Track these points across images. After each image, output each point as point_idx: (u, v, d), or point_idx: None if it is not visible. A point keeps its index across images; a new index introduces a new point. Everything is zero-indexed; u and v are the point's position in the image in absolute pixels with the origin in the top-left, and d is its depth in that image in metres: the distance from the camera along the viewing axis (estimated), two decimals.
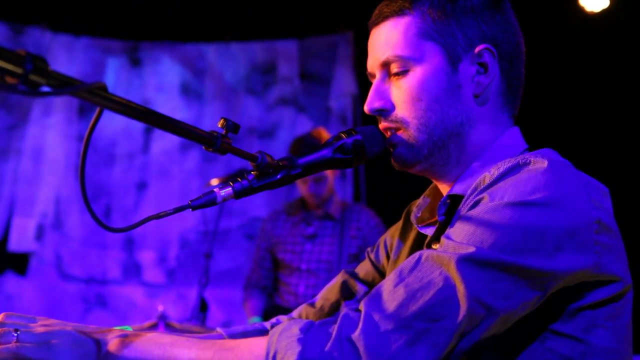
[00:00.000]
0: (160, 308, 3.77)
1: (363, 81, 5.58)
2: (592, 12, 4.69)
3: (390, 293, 1.22)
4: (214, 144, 1.30)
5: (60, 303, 5.36)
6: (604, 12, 4.66)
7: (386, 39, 1.51)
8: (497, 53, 1.48)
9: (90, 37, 5.60)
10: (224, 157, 5.56)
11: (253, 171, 1.43)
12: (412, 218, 1.63)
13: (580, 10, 4.69)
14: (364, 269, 1.79)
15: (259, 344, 1.27)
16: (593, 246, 1.25)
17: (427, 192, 1.67)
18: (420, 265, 1.23)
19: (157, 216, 1.38)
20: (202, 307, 3.94)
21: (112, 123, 5.58)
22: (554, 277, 1.22)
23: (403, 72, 1.48)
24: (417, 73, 1.47)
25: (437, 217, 1.51)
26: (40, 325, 1.32)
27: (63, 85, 1.01)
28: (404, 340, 1.16)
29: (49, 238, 5.46)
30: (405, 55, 1.47)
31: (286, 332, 1.24)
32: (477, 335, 1.20)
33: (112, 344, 1.29)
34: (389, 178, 4.81)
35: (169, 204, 5.39)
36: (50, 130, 5.45)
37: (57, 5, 5.39)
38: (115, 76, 5.63)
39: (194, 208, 1.40)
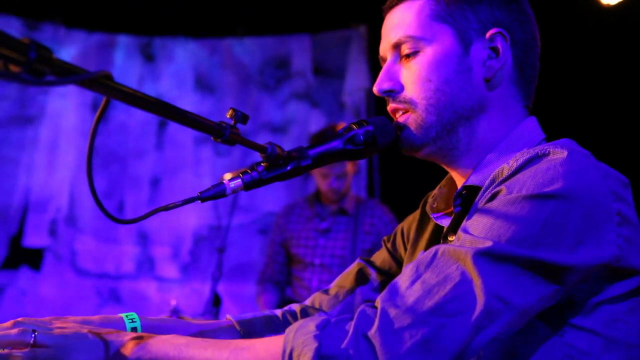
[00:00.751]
0: (173, 302, 3.77)
1: (376, 75, 5.56)
2: (608, 4, 4.65)
3: (407, 289, 1.21)
4: (222, 134, 1.28)
5: (74, 298, 5.38)
6: (620, 5, 4.62)
7: (399, 21, 1.50)
8: (509, 39, 1.47)
9: (103, 32, 5.60)
10: (239, 152, 5.57)
11: (263, 162, 1.42)
12: (428, 208, 1.62)
13: (596, 3, 4.65)
14: (380, 257, 1.78)
15: (275, 341, 1.25)
16: (615, 239, 1.23)
17: (442, 182, 1.65)
18: (437, 261, 1.22)
19: (166, 207, 1.37)
20: (216, 301, 3.94)
21: (126, 118, 5.58)
22: (573, 271, 1.19)
23: (414, 53, 1.48)
24: (427, 54, 1.46)
25: (452, 207, 1.50)
26: (57, 327, 1.33)
27: (67, 74, 1.00)
28: (421, 336, 1.15)
29: (63, 233, 5.48)
30: (416, 36, 1.47)
31: (302, 329, 1.22)
32: (494, 330, 1.17)
33: (127, 346, 1.30)
34: (403, 172, 4.79)
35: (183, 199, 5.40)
36: (64, 126, 5.46)
37: (70, 1, 5.39)
38: (128, 71, 5.62)
39: (203, 200, 1.40)
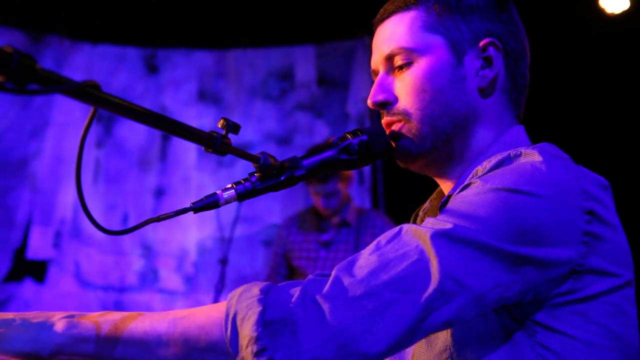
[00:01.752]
0: None
1: None
2: (612, 13, 4.65)
3: (364, 260, 1.20)
4: (213, 144, 1.27)
5: (78, 310, 5.35)
6: (624, 14, 4.62)
7: (391, 33, 1.50)
8: (502, 48, 1.47)
9: (107, 44, 5.62)
10: (243, 163, 5.56)
11: (256, 173, 1.41)
12: (419, 221, 1.62)
13: (601, 11, 4.65)
14: None
15: (217, 307, 1.24)
16: (581, 236, 1.22)
17: (433, 195, 1.65)
18: (399, 237, 1.22)
19: (158, 219, 1.36)
20: None
21: (129, 130, 5.59)
22: (532, 263, 1.19)
23: (407, 65, 1.47)
24: (421, 65, 1.46)
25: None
26: None
27: (52, 83, 0.99)
28: (371, 308, 1.14)
29: (67, 245, 5.47)
30: (409, 47, 1.46)
31: (246, 293, 1.21)
32: (447, 312, 1.16)
33: (59, 325, 1.26)
34: (407, 184, 4.78)
35: None
36: (69, 137, 5.46)
37: (74, 14, 5.41)
38: (132, 83, 5.63)
39: (196, 210, 1.39)
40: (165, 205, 5.57)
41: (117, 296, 5.52)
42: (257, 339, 1.13)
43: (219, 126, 1.31)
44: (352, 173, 4.38)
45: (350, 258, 1.23)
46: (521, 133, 1.50)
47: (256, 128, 5.59)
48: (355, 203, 4.53)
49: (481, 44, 1.45)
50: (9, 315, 1.30)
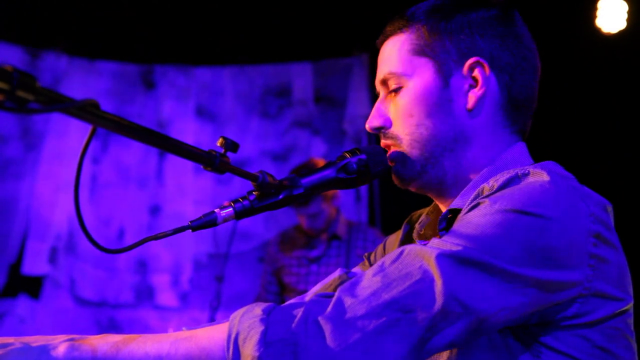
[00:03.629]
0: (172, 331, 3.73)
1: None
2: (608, 33, 4.67)
3: (368, 281, 1.19)
4: (212, 163, 1.28)
5: (73, 327, 5.33)
6: (620, 33, 4.64)
7: (385, 57, 1.53)
8: (490, 66, 1.45)
9: (105, 60, 5.62)
10: (239, 180, 5.55)
11: (254, 191, 1.41)
12: (415, 234, 1.61)
13: (597, 31, 4.67)
14: (361, 270, 1.75)
15: (219, 329, 1.23)
16: (587, 259, 1.22)
17: (429, 209, 1.64)
18: (403, 258, 1.20)
19: (156, 237, 1.36)
20: None
21: (126, 147, 5.58)
22: (537, 285, 1.18)
23: (398, 89, 1.49)
24: (410, 89, 1.47)
25: (438, 234, 1.48)
26: None
27: (52, 102, 0.99)
28: (373, 327, 1.13)
29: (63, 261, 5.44)
30: (398, 72, 1.48)
31: (248, 313, 1.20)
32: (451, 334, 1.15)
33: (60, 348, 1.25)
34: (404, 200, 4.77)
35: None
36: (65, 152, 5.45)
37: (72, 30, 5.42)
38: (129, 99, 5.63)
39: (194, 229, 1.40)
40: (161, 221, 5.55)
41: (112, 312, 5.50)
42: (259, 359, 1.13)
43: (218, 145, 1.31)
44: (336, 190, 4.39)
45: (353, 279, 1.22)
46: (523, 151, 1.49)
47: (253, 145, 5.58)
48: (346, 216, 4.52)
49: (467, 64, 1.45)
50: (9, 339, 1.29)
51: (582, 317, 1.24)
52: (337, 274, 1.74)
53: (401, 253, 1.22)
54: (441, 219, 1.45)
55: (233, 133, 5.58)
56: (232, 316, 1.22)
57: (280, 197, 1.42)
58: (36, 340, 1.28)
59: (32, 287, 5.39)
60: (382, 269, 1.21)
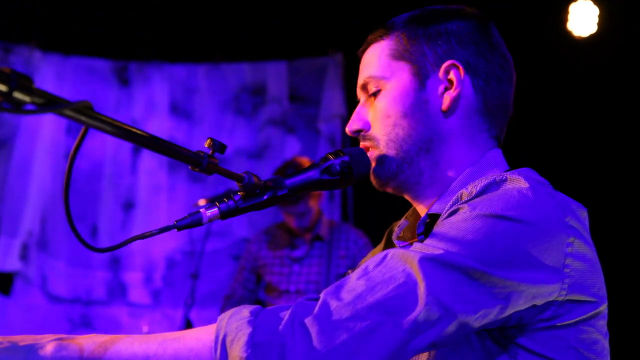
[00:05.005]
0: (145, 329, 3.74)
1: (352, 103, 5.62)
2: (579, 36, 4.74)
3: (352, 284, 1.23)
4: (200, 164, 1.29)
5: (45, 324, 5.29)
6: (591, 37, 4.71)
7: (366, 63, 1.58)
8: (465, 69, 1.50)
9: (79, 56, 5.58)
10: (213, 178, 5.55)
11: (239, 192, 1.43)
12: (394, 237, 1.65)
13: (568, 34, 4.74)
14: None
15: (207, 330, 1.26)
16: (563, 264, 1.26)
17: (408, 212, 1.68)
18: (386, 262, 1.24)
19: (142, 236, 1.37)
20: (188, 328, 3.92)
21: (100, 143, 5.55)
22: (518, 290, 1.22)
23: (377, 92, 1.54)
24: (388, 91, 1.52)
25: (416, 237, 1.52)
26: None
27: (48, 103, 1.00)
28: (357, 330, 1.16)
29: (34, 258, 5.40)
30: (377, 75, 1.54)
31: (236, 315, 1.23)
32: (432, 335, 1.19)
33: (48, 347, 1.27)
34: (376, 199, 4.81)
35: (156, 224, 5.36)
36: (38, 148, 5.42)
37: (46, 25, 5.38)
38: (104, 96, 5.60)
39: (180, 228, 1.40)
40: (135, 218, 5.53)
41: (84, 309, 5.47)
42: None
43: (206, 146, 1.33)
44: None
45: (338, 282, 1.25)
46: (499, 157, 1.54)
47: (228, 143, 5.54)
48: (326, 216, 4.56)
49: (443, 66, 1.50)
50: None
51: (557, 319, 1.28)
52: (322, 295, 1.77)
53: (385, 257, 1.26)
54: (420, 223, 1.49)
55: (207, 131, 5.59)
56: (219, 317, 1.25)
57: (265, 197, 1.44)
58: (23, 340, 1.30)
59: (3, 283, 5.35)
60: (366, 272, 1.24)
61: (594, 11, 4.68)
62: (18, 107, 0.96)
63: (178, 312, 5.07)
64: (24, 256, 5.37)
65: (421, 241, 1.48)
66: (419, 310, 1.17)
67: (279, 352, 1.16)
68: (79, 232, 1.27)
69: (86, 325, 5.40)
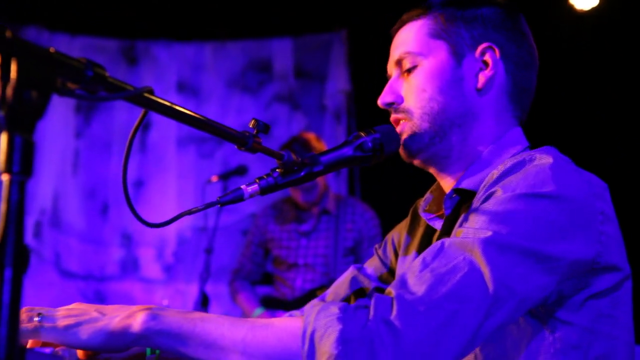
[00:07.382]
0: (165, 302, 3.83)
1: (357, 79, 5.66)
2: (581, 10, 4.76)
3: (417, 278, 1.27)
4: (246, 143, 1.37)
5: (58, 300, 5.38)
6: (593, 10, 4.73)
7: (402, 40, 1.65)
8: (500, 52, 1.59)
9: (86, 36, 5.63)
10: (221, 154, 5.63)
11: (278, 168, 1.50)
12: (420, 210, 1.73)
13: (570, 8, 4.76)
14: (372, 264, 1.86)
15: (294, 322, 1.29)
16: (598, 236, 1.34)
17: (433, 187, 1.75)
18: (444, 252, 1.30)
19: (189, 212, 1.45)
20: (204, 301, 4.02)
21: (109, 122, 5.62)
22: (563, 263, 1.29)
23: (413, 68, 1.61)
24: (424, 67, 1.60)
25: (443, 210, 1.60)
26: (63, 309, 1.36)
27: (116, 90, 1.08)
28: (438, 321, 1.21)
29: (47, 235, 5.49)
30: (414, 51, 1.61)
31: (324, 311, 1.27)
32: (500, 318, 1.25)
33: (136, 317, 1.30)
34: (383, 174, 4.89)
35: (166, 201, 5.46)
36: (48, 127, 5.47)
37: (53, 5, 5.41)
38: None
39: (222, 204, 1.47)
40: (145, 195, 5.61)
41: (97, 285, 5.56)
42: (337, 357, 1.20)
43: (250, 126, 1.41)
44: None
45: (399, 278, 1.30)
46: (520, 134, 1.63)
47: (235, 119, 5.65)
48: (333, 191, 4.61)
49: (479, 48, 1.59)
50: (91, 307, 1.36)
51: (593, 288, 1.37)
52: (350, 270, 1.85)
53: (441, 247, 1.32)
54: (446, 197, 1.58)
55: (214, 108, 5.65)
56: (305, 312, 1.30)
57: (302, 174, 1.52)
58: (114, 309, 1.35)
59: None
60: (425, 264, 1.30)
61: None
62: (92, 94, 1.04)
63: (190, 286, 5.17)
64: (37, 233, 5.46)
65: (449, 217, 1.57)
66: (489, 295, 1.23)
67: (368, 349, 1.20)
68: (136, 211, 1.34)
69: (100, 300, 5.49)
